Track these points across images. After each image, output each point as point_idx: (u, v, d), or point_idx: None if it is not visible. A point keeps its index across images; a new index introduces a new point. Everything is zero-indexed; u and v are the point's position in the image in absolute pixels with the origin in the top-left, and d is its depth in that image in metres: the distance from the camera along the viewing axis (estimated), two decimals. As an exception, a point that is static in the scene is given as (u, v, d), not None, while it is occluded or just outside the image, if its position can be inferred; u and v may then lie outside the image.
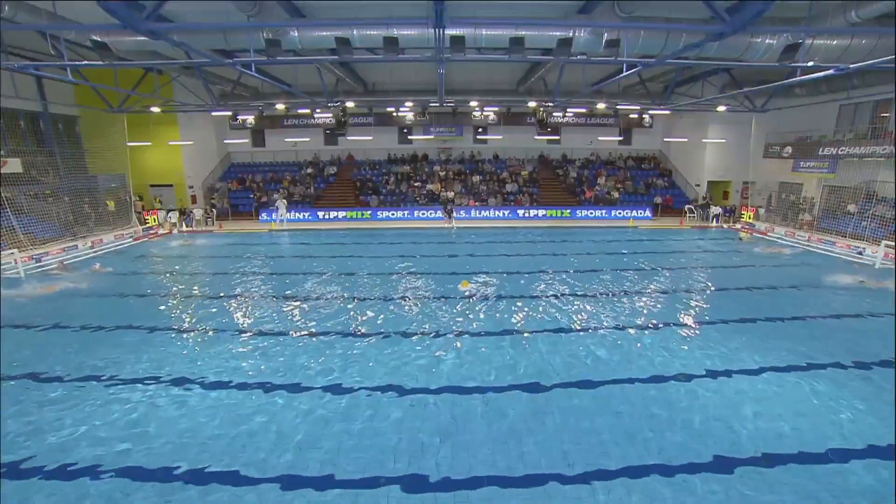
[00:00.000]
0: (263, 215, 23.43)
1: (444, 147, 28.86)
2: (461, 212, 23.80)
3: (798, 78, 12.57)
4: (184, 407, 6.08)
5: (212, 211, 23.53)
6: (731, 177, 25.25)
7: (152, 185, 25.37)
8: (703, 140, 24.36)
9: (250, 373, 7.03)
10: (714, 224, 22.57)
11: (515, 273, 12.71)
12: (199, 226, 22.44)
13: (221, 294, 11.03)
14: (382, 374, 6.88)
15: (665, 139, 27.80)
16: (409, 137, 28.32)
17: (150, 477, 4.78)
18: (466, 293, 10.52)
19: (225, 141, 27.35)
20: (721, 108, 20.22)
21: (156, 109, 19.69)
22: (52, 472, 4.85)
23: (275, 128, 26.85)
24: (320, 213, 23.85)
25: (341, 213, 23.81)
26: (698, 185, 25.70)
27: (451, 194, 25.33)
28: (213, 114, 23.37)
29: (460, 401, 6.04)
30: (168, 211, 22.76)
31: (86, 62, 12.97)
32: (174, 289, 11.66)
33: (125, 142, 20.34)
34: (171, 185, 25.33)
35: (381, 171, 27.43)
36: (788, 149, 20.62)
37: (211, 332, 8.61)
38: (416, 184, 26.26)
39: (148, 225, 21.42)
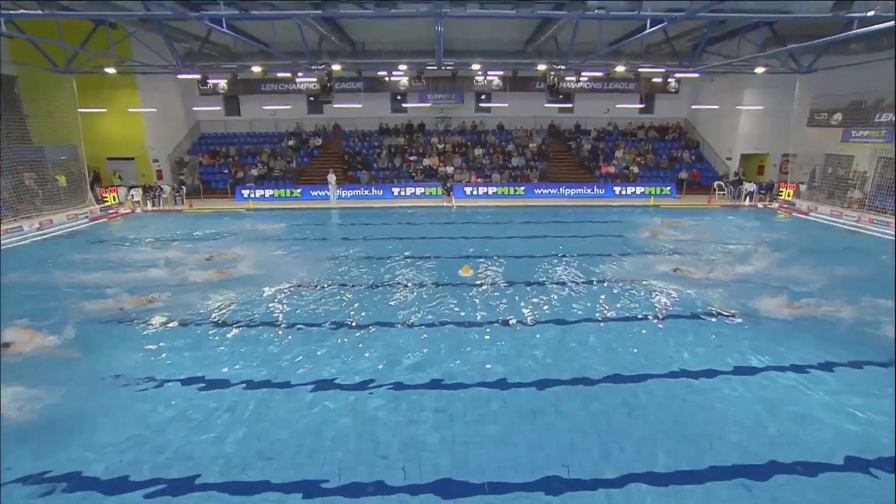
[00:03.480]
0: (244, 192, 23.24)
1: (443, 116, 28.65)
2: (462, 189, 23.85)
3: (854, 31, 11.91)
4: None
5: (180, 188, 23.11)
6: (769, 149, 25.00)
7: (110, 158, 24.66)
8: (738, 107, 23.97)
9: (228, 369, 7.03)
10: (747, 202, 22.32)
11: (522, 257, 12.64)
12: (167, 204, 22.10)
13: (186, 282, 10.63)
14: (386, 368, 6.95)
15: (693, 106, 27.42)
16: (404, 105, 28.03)
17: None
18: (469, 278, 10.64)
19: (194, 108, 27.00)
20: (760, 70, 19.75)
21: (111, 70, 19.00)
22: None
23: (251, 93, 26.47)
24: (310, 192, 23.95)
25: (318, 191, 23.81)
26: (730, 159, 25.46)
27: (450, 169, 25.24)
28: (179, 77, 22.85)
29: (458, 396, 6.10)
30: (130, 188, 22.27)
31: (22, 11, 12.19)
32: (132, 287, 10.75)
33: (76, 107, 19.61)
34: (131, 159, 24.59)
35: (371, 144, 27.28)
36: (838, 115, 20.10)
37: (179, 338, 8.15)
38: (411, 157, 26.12)
39: (106, 204, 20.94)
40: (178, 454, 5.18)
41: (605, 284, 10.56)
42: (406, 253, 13.34)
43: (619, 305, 9.31)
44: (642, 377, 6.57)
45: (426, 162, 25.73)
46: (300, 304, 9.47)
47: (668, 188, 24.22)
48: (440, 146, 26.79)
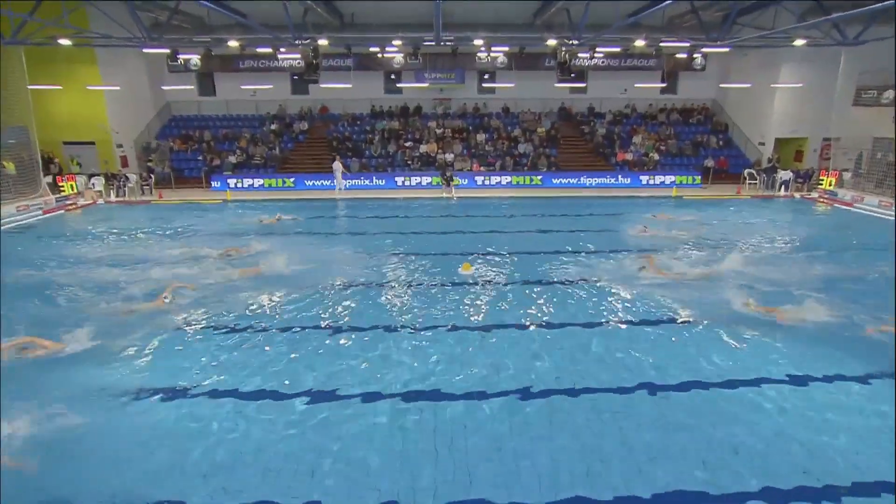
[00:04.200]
0: (216, 182, 22.79)
1: (442, 98, 28.30)
2: (463, 178, 23.64)
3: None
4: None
5: (149, 176, 22.40)
6: (807, 132, 24.52)
7: (67, 143, 24.06)
8: (773, 85, 23.43)
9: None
10: (782, 192, 21.84)
11: (529, 253, 12.51)
12: (134, 195, 21.46)
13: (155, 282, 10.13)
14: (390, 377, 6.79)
15: (721, 85, 26.94)
16: (398, 85, 27.58)
17: None
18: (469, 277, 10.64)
19: (163, 87, 26.33)
20: (799, 42, 18.95)
21: (65, 42, 18.08)
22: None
23: (227, 71, 25.58)
24: (286, 181, 23.74)
25: (313, 181, 23.67)
26: (762, 144, 24.96)
27: (449, 157, 24.94)
28: (145, 51, 22.13)
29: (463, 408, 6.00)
30: (90, 176, 21.59)
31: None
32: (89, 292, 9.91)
33: (25, 84, 18.60)
34: (92, 143, 24.06)
35: (362, 128, 26.96)
36: (890, 93, 19.51)
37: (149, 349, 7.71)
38: (406, 144, 25.79)
39: (63, 194, 20.12)
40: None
41: (610, 286, 10.16)
42: (402, 249, 13.05)
43: (619, 309, 9.02)
44: (670, 387, 6.40)
45: (423, 148, 25.35)
46: (348, 307, 9.22)
47: (693, 177, 23.79)
48: (439, 131, 26.42)
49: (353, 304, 9.25)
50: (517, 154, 25.23)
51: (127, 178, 21.81)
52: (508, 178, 23.85)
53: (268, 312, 8.85)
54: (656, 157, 24.96)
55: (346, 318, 8.62)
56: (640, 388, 6.33)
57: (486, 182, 23.76)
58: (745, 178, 23.00)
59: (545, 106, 28.19)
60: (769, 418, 5.82)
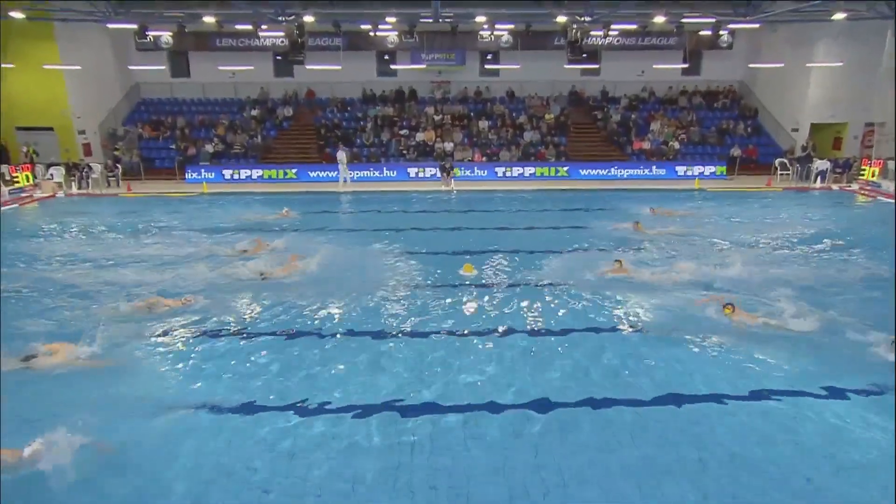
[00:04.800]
0: (191, 173, 22.57)
1: (440, 81, 27.89)
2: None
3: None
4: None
5: (115, 167, 22.13)
6: (847, 116, 24.06)
7: (21, 129, 23.81)
8: (808, 64, 22.90)
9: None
10: (818, 184, 21.40)
11: (536, 253, 12.27)
12: (98, 187, 21.24)
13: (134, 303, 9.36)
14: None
15: (750, 65, 26.53)
16: (392, 67, 27.23)
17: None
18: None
19: (131, 67, 25.90)
20: (839, 16, 18.91)
21: (18, 15, 17.98)
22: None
23: (203, 50, 25.58)
24: (269, 172, 23.36)
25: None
26: (796, 130, 24.45)
27: (449, 146, 24.59)
28: (111, 26, 21.69)
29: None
30: (49, 166, 21.38)
31: None
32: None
33: None
34: (50, 129, 23.82)
35: (353, 115, 26.66)
36: None
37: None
38: (401, 132, 25.52)
39: (17, 186, 19.71)
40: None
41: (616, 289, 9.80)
42: (397, 248, 12.87)
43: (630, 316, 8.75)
44: (686, 399, 6.23)
45: (420, 137, 25.04)
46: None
47: (718, 167, 23.47)
48: (437, 118, 26.07)
49: (401, 307, 9.08)
50: (523, 143, 24.79)
51: (90, 168, 21.41)
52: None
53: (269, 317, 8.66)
54: (677, 145, 24.55)
55: (392, 322, 8.50)
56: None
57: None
58: (776, 169, 22.65)
59: (554, 90, 27.80)
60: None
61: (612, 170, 23.47)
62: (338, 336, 7.99)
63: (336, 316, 8.69)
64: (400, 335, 8.00)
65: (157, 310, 8.26)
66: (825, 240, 12.79)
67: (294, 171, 22.89)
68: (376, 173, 23.13)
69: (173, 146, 24.15)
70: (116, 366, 6.79)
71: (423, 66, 26.03)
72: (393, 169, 23.31)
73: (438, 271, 11.00)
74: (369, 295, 9.44)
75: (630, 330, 8.00)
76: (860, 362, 6.83)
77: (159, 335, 7.74)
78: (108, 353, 7.03)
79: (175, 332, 7.86)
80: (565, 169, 23.53)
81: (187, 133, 25.00)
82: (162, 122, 25.65)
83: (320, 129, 25.27)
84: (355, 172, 22.79)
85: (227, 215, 16.53)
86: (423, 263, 11.49)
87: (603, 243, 12.72)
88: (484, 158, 24.12)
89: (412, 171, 23.15)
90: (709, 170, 23.20)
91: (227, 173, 22.56)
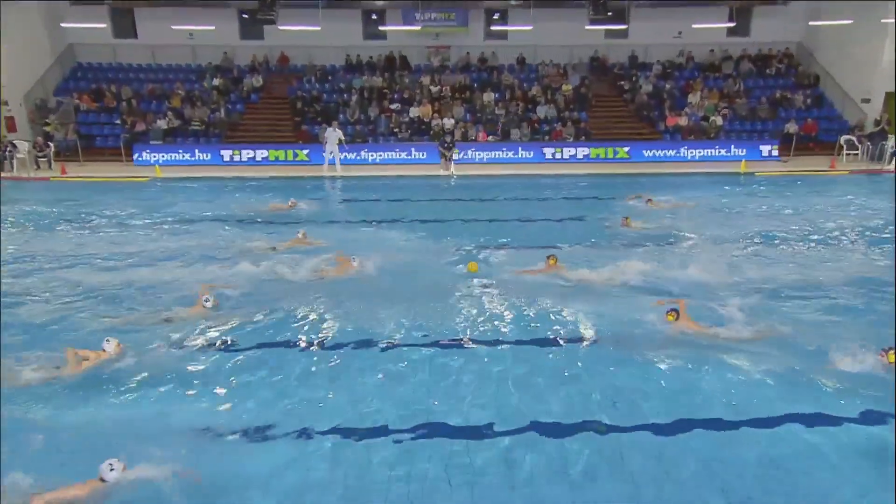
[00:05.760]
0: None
1: (438, 46, 26.91)
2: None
3: None
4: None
5: (46, 145, 21.19)
6: None
7: None
8: (884, 20, 21.63)
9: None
10: (894, 166, 20.31)
11: (548, 249, 11.52)
12: (25, 170, 20.47)
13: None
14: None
15: (811, 23, 25.22)
16: (381, 28, 26.32)
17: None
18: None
19: (64, 25, 24.53)
20: None
21: None
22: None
23: (152, 5, 25.04)
24: (235, 153, 22.52)
25: (270, 153, 22.52)
26: (867, 101, 23.37)
27: (448, 122, 23.65)
28: None
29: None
30: None
31: None
32: None
33: None
34: None
35: (335, 85, 25.82)
36: None
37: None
38: (392, 106, 24.75)
39: None
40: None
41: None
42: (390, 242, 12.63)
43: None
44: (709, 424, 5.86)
45: (414, 112, 24.29)
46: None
47: (769, 147, 22.68)
48: (434, 89, 25.15)
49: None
50: (535, 119, 24.07)
51: (14, 146, 20.66)
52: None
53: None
54: (719, 121, 23.62)
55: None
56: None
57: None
58: (841, 148, 21.79)
59: (572, 56, 26.81)
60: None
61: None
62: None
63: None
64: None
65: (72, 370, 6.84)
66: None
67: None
68: (363, 156, 22.54)
69: (118, 121, 23.39)
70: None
71: (417, 28, 25.35)
72: (382, 150, 22.82)
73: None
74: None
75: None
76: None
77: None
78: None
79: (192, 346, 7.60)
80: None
81: (135, 105, 24.22)
82: (103, 91, 24.65)
83: (296, 102, 24.53)
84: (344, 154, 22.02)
85: (192, 206, 15.95)
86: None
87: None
88: (490, 138, 23.29)
89: (403, 153, 22.68)
90: (758, 150, 22.52)
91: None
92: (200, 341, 7.69)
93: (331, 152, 20.93)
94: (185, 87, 25.13)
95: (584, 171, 21.01)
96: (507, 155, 22.91)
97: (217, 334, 7.85)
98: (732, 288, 9.30)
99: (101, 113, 23.85)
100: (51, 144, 21.32)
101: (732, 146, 22.71)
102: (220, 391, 6.64)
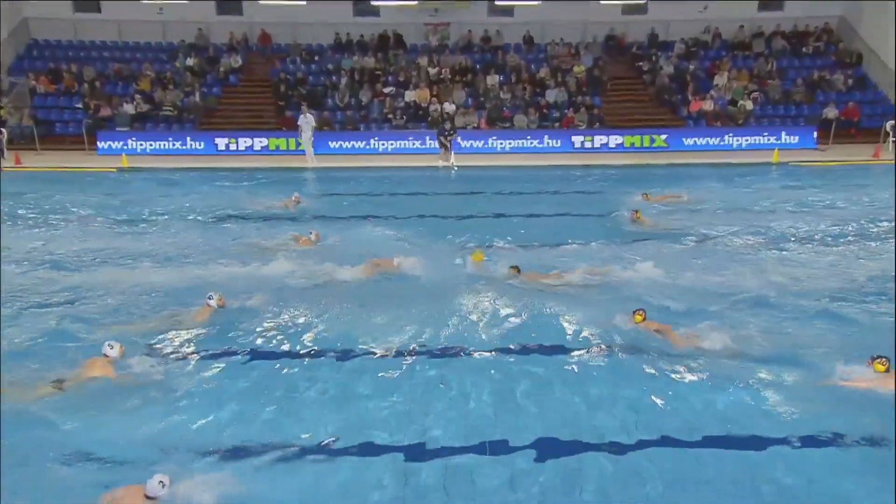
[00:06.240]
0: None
1: (437, 23, 26.57)
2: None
3: None
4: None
5: None
6: None
7: None
8: None
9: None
10: None
11: (559, 246, 12.03)
12: None
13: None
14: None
15: None
16: (374, 4, 25.81)
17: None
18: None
19: None
20: None
21: None
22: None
23: None
24: (214, 141, 22.51)
25: (250, 142, 22.33)
26: None
27: (449, 108, 23.39)
28: None
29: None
30: None
31: None
32: None
33: None
34: None
35: (322, 67, 25.57)
36: None
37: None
38: (386, 90, 24.50)
39: None
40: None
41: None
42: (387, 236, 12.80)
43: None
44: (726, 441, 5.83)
45: (410, 96, 23.97)
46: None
47: (807, 134, 22.14)
48: (432, 71, 24.86)
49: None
50: (544, 104, 23.66)
51: None
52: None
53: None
54: (749, 105, 23.09)
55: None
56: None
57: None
58: (886, 135, 21.02)
59: (586, 34, 26.39)
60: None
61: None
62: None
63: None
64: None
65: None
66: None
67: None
68: (354, 144, 22.31)
69: (79, 105, 22.98)
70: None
71: (413, 3, 25.16)
72: (375, 139, 22.59)
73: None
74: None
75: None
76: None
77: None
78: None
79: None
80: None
81: (98, 88, 23.72)
82: (63, 72, 24.19)
83: (279, 85, 24.05)
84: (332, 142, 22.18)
85: (165, 200, 15.69)
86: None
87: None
88: (499, 126, 22.97)
89: (399, 142, 22.46)
90: (793, 137, 22.00)
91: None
92: (183, 349, 7.69)
93: (309, 139, 20.74)
94: (154, 67, 24.69)
95: (611, 161, 20.55)
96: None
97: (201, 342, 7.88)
98: (754, 295, 8.95)
99: (60, 96, 23.49)
100: (3, 131, 20.63)
101: (766, 133, 22.31)
102: (199, 402, 6.56)
